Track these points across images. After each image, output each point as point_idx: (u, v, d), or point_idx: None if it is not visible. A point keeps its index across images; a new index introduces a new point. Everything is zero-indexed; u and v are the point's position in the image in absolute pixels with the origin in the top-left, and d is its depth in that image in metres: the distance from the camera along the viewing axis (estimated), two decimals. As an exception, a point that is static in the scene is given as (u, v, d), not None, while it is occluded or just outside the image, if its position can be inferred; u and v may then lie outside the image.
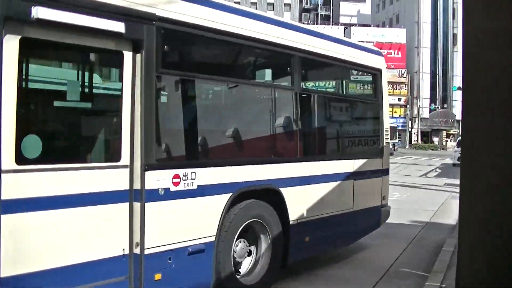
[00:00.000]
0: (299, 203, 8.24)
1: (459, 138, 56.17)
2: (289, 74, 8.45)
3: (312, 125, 9.05)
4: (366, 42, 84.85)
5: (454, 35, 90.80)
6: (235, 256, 7.30)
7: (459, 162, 39.17)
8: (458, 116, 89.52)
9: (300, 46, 8.37)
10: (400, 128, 79.18)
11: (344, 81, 10.80)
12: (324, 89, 10.95)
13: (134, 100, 5.96)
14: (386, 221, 14.37)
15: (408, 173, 33.89)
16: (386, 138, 10.66)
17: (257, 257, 7.74)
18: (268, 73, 8.46)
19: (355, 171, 9.65)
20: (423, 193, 22.43)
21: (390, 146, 64.28)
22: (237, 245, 7.31)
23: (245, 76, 8.12)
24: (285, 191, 7.90)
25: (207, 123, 7.43)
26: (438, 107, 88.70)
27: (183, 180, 6.38)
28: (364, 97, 11.40)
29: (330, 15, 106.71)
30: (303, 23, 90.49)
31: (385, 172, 10.79)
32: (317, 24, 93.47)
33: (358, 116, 10.82)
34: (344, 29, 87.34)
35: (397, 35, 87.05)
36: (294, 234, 8.10)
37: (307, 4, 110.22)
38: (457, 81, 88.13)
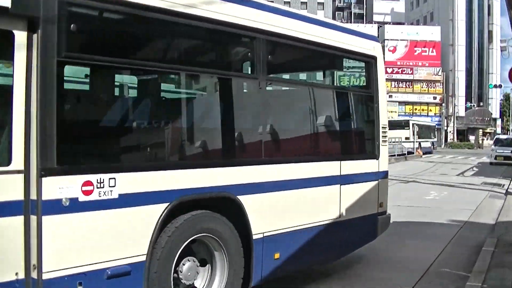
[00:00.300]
0: (265, 213, 6.88)
1: (496, 136, 55.48)
2: (249, 60, 7.13)
3: (282, 120, 7.80)
4: (400, 40, 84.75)
5: (490, 32, 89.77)
6: (181, 278, 6.06)
7: (496, 161, 39.07)
8: (495, 114, 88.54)
9: (262, 27, 6.90)
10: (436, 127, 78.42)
11: (327, 70, 9.23)
12: (300, 78, 9.48)
13: (30, 91, 4.82)
14: (424, 220, 14.30)
15: (445, 172, 33.52)
16: (383, 136, 9.19)
17: (211, 279, 6.45)
18: (217, 59, 7.18)
19: (342, 174, 8.19)
20: (460, 192, 22.06)
21: (429, 145, 62.78)
22: (183, 265, 6.05)
23: (185, 62, 6.58)
24: (245, 200, 6.55)
25: (132, 117, 6.27)
26: (474, 105, 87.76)
27: (97, 188, 5.10)
28: (353, 88, 10.18)
29: (363, 14, 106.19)
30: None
31: (382, 175, 9.25)
32: (350, 22, 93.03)
33: (346, 110, 9.08)
34: (378, 27, 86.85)
35: (432, 33, 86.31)
36: (258, 250, 6.79)
37: (340, 2, 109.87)
38: (493, 78, 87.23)
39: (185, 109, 6.87)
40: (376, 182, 9.08)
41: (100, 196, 5.12)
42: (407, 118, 66.92)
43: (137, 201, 5.45)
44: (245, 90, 7.47)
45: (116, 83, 6.55)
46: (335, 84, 9.71)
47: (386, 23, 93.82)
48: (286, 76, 8.88)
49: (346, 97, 9.13)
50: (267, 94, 7.21)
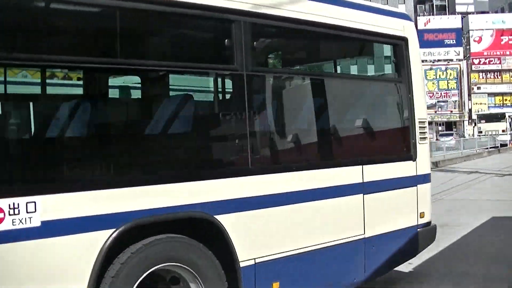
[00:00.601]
0: (256, 235, 5.66)
1: None
2: (228, 48, 5.66)
3: (277, 119, 6.48)
4: (486, 29, 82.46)
5: None
6: None
7: None
8: None
9: (244, 8, 5.60)
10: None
11: (341, 56, 7.85)
12: (302, 67, 7.93)
13: None
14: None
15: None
16: (421, 133, 7.65)
17: None
18: (180, 48, 5.97)
19: (366, 181, 6.82)
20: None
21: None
22: None
23: (136, 53, 5.29)
24: (226, 220, 5.31)
25: (56, 122, 5.09)
26: None
27: (10, 215, 4.05)
28: (377, 77, 9.02)
29: (445, 5, 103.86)
30: (418, 15, 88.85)
31: (422, 179, 7.70)
32: (433, 14, 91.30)
33: (367, 103, 7.66)
34: (462, 18, 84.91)
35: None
36: (249, 280, 5.55)
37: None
38: None
39: (140, 109, 5.78)
40: (414, 188, 7.58)
41: (14, 225, 4.08)
42: (498, 109, 65.14)
43: (69, 229, 4.37)
44: (221, 85, 6.43)
45: (33, 82, 5.63)
46: (351, 72, 8.56)
47: (470, 13, 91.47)
48: (287, 67, 7.51)
49: (368, 87, 7.93)
50: (252, 89, 5.83)
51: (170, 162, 5.37)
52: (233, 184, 5.49)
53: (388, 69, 8.42)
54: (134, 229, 4.70)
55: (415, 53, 7.74)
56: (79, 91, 6.10)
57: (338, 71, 7.74)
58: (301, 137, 6.61)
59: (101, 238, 4.50)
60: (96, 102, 5.62)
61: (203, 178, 5.28)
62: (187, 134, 5.58)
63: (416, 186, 7.60)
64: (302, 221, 6.13)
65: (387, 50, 8.00)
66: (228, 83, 6.26)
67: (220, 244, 5.29)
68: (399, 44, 7.55)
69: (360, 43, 7.70)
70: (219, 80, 6.31)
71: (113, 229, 4.56)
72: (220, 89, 6.40)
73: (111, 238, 4.53)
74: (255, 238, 5.65)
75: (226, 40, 5.64)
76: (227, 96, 6.28)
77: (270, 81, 6.48)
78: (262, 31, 6.25)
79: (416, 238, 7.62)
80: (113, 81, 6.04)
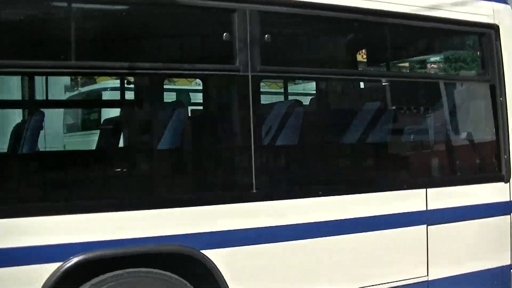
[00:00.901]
0: (264, 275, 4.59)
1: None
2: (225, 45, 4.57)
3: (302, 128, 5.44)
4: None
5: None
6: None
7: None
8: None
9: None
10: None
11: (402, 52, 6.74)
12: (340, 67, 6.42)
13: None
14: None
15: None
16: None
17: None
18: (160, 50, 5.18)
19: (431, 208, 5.40)
20: None
21: None
22: None
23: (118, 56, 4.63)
24: (219, 256, 4.30)
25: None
26: None
27: None
28: (453, 76, 7.72)
29: None
30: None
31: None
32: None
33: (437, 108, 6.30)
34: None
35: None
36: None
37: None
38: None
39: (105, 117, 4.99)
40: (506, 217, 5.98)
41: None
42: None
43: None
44: (215, 90, 5.84)
45: None
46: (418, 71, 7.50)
47: None
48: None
49: (437, 88, 6.28)
50: (256, 93, 4.77)
51: (136, 185, 4.51)
52: (228, 212, 4.46)
53: (472, 66, 6.95)
54: (98, 262, 3.91)
55: (510, 44, 6.01)
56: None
57: (398, 70, 6.49)
58: (331, 151, 5.57)
59: (40, 273, 3.73)
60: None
61: (186, 205, 4.31)
62: (167, 149, 4.81)
63: (510, 214, 5.95)
64: (332, 259, 4.91)
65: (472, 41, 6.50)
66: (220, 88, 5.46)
67: (208, 284, 4.30)
68: (487, 33, 5.91)
69: (431, 33, 6.26)
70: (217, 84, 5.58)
71: (60, 262, 3.78)
72: (217, 94, 5.65)
73: (59, 273, 3.75)
74: (262, 280, 4.56)
75: (225, 35, 4.54)
76: (225, 103, 5.36)
77: (285, 85, 5.82)
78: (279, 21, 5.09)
79: (508, 282, 5.97)
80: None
